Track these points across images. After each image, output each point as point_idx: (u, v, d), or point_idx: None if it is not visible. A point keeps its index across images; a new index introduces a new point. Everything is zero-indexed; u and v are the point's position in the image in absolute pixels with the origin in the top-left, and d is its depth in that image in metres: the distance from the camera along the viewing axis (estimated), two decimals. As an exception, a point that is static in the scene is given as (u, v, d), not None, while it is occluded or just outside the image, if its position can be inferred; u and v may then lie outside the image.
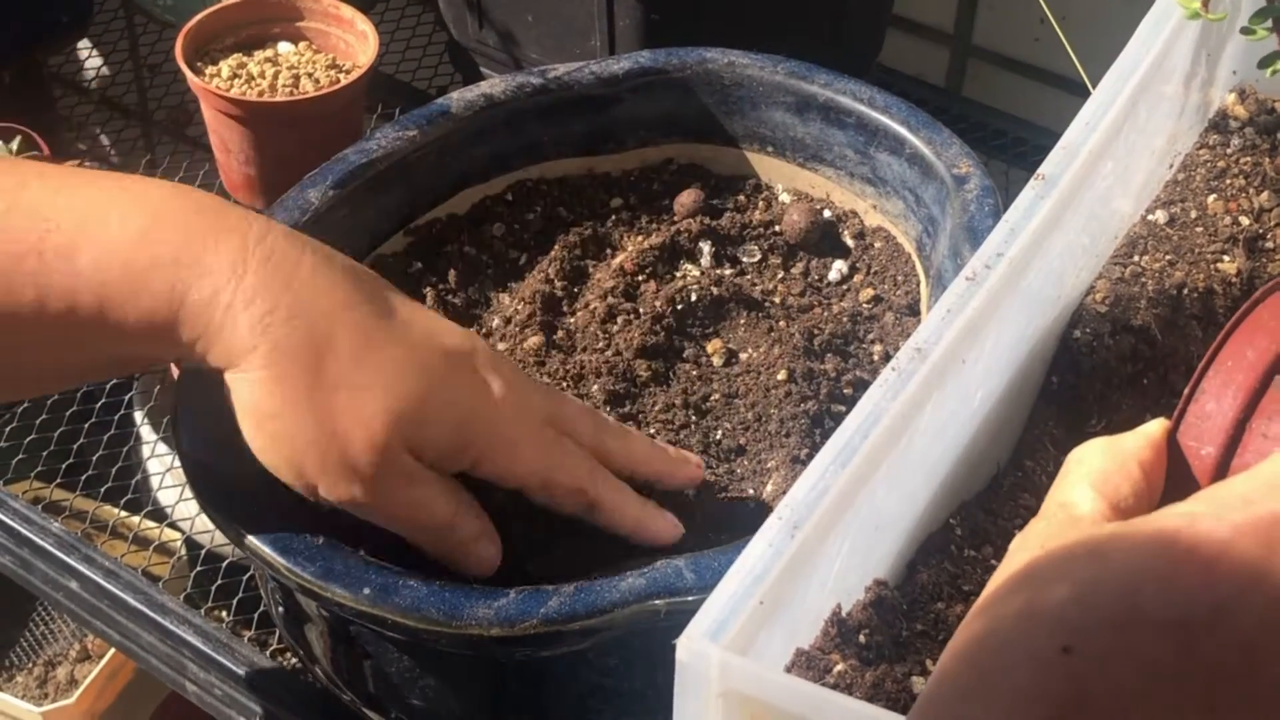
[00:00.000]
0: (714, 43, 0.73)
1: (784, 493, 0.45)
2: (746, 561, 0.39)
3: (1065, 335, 0.53)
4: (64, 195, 0.50)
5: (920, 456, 0.46)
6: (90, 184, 0.51)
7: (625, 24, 0.84)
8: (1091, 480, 0.42)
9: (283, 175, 0.77)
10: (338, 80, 0.85)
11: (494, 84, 0.72)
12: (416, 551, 0.55)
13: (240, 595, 0.78)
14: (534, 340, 0.65)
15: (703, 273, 0.68)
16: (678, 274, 0.68)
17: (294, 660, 0.70)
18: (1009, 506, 0.50)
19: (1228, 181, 0.59)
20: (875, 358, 0.64)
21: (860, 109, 0.69)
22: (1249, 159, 0.60)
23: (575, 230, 0.70)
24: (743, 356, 0.64)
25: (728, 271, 0.69)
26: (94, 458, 0.87)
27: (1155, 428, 0.45)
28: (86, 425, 0.88)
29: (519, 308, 0.67)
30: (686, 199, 0.71)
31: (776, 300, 0.66)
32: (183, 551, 0.88)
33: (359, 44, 0.89)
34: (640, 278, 0.67)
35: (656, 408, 0.63)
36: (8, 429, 0.87)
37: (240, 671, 0.68)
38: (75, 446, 0.87)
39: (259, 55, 0.88)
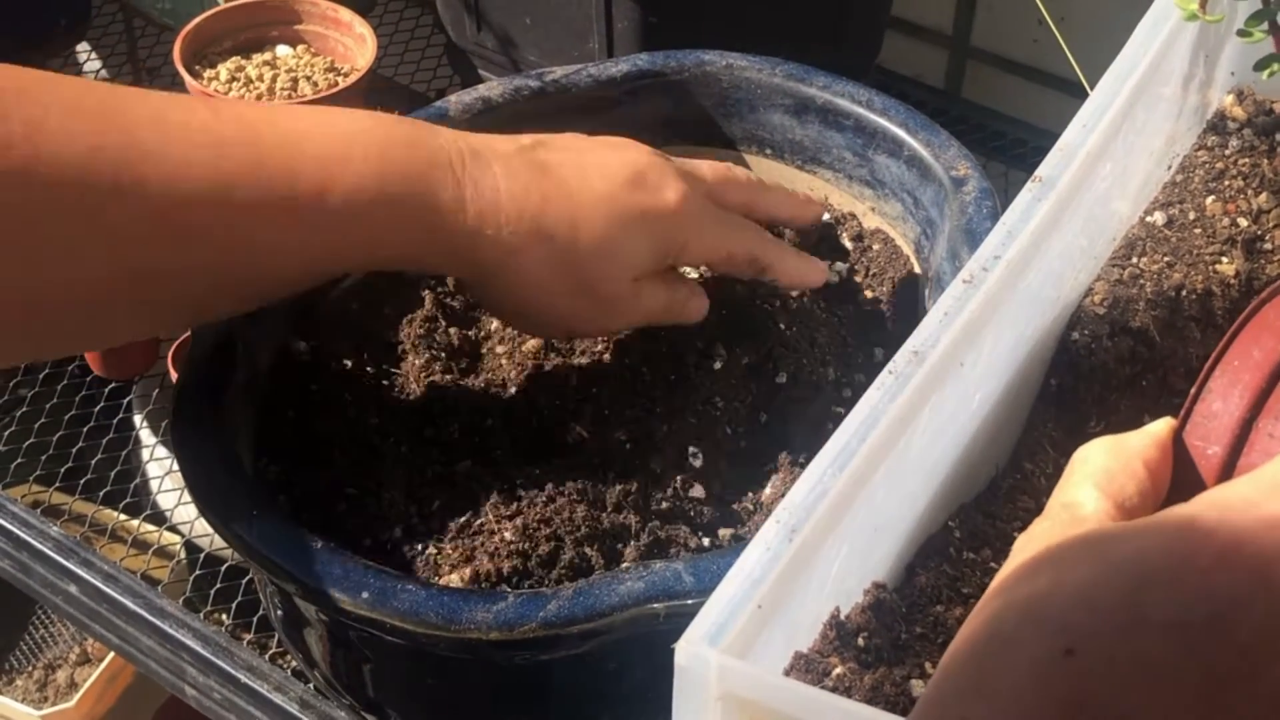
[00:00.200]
0: (712, 45, 0.73)
1: (782, 495, 0.45)
2: (745, 565, 0.39)
3: (1064, 337, 0.53)
4: (297, 140, 0.54)
5: (919, 459, 0.46)
6: (306, 122, 0.55)
7: (623, 26, 0.84)
8: (1096, 480, 0.42)
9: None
10: (336, 83, 0.85)
11: (492, 87, 0.72)
12: (417, 552, 0.55)
13: (239, 599, 0.78)
14: (533, 343, 0.65)
15: (701, 276, 0.68)
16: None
17: (293, 664, 0.70)
18: (1008, 509, 0.50)
19: (1226, 183, 0.59)
20: (873, 360, 0.64)
21: (859, 111, 0.69)
22: (1247, 160, 0.60)
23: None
24: (742, 359, 0.64)
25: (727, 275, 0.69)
26: (93, 461, 0.87)
27: (1161, 427, 0.45)
28: (86, 429, 0.88)
29: None
30: None
31: (776, 302, 0.66)
32: (182, 555, 0.88)
33: (357, 47, 0.89)
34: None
35: (657, 410, 0.63)
36: (6, 433, 0.87)
37: (239, 675, 0.68)
38: (74, 450, 0.87)
39: (257, 58, 0.88)
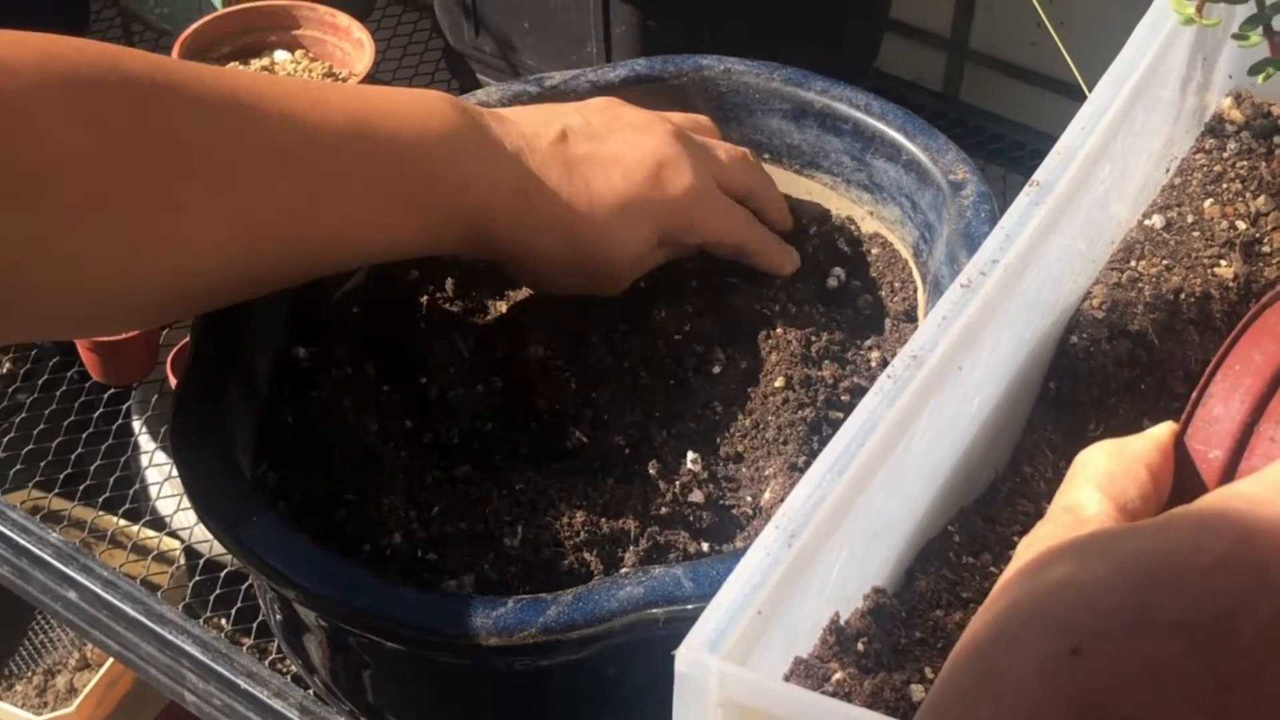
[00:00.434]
0: (710, 50, 0.73)
1: (782, 500, 0.45)
2: (745, 571, 0.39)
3: (1062, 341, 0.53)
4: (395, 116, 0.59)
5: (918, 463, 0.46)
6: (394, 95, 0.60)
7: (621, 31, 0.84)
8: (1098, 483, 0.42)
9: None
10: (334, 88, 0.85)
11: (490, 92, 0.72)
12: (416, 556, 0.55)
13: (239, 604, 0.78)
14: (536, 349, 0.65)
15: (700, 281, 0.69)
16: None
17: (293, 670, 0.70)
18: (1007, 512, 0.50)
19: (1224, 186, 0.59)
20: (872, 364, 0.64)
21: (857, 115, 0.69)
22: (1245, 163, 0.60)
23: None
24: (741, 364, 0.64)
25: (726, 279, 0.69)
26: (92, 467, 0.86)
27: (1162, 431, 0.45)
28: (85, 434, 0.88)
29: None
30: None
31: (775, 307, 0.66)
32: (181, 560, 0.88)
33: (355, 52, 0.89)
34: (642, 284, 0.67)
35: (656, 415, 0.63)
36: (6, 438, 0.87)
37: (239, 681, 0.68)
38: (74, 456, 0.87)
39: (255, 64, 0.88)
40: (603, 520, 0.57)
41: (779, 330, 0.64)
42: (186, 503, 0.59)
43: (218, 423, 0.57)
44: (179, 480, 0.56)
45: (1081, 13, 0.92)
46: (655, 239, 0.64)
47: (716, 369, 0.64)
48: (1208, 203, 0.58)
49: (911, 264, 0.68)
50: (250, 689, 0.68)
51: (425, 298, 0.68)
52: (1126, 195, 0.57)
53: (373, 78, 0.87)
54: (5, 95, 0.48)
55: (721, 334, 0.65)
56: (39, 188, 0.49)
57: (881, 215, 0.70)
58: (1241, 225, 0.58)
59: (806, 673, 0.41)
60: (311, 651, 0.59)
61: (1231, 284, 0.56)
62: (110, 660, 1.12)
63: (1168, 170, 0.60)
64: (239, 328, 0.61)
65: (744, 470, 0.61)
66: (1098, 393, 0.53)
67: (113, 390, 0.91)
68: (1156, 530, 0.33)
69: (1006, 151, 0.99)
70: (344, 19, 0.89)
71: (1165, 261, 0.56)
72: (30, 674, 1.20)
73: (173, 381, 0.83)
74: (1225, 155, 0.60)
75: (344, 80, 0.86)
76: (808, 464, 0.58)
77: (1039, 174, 0.50)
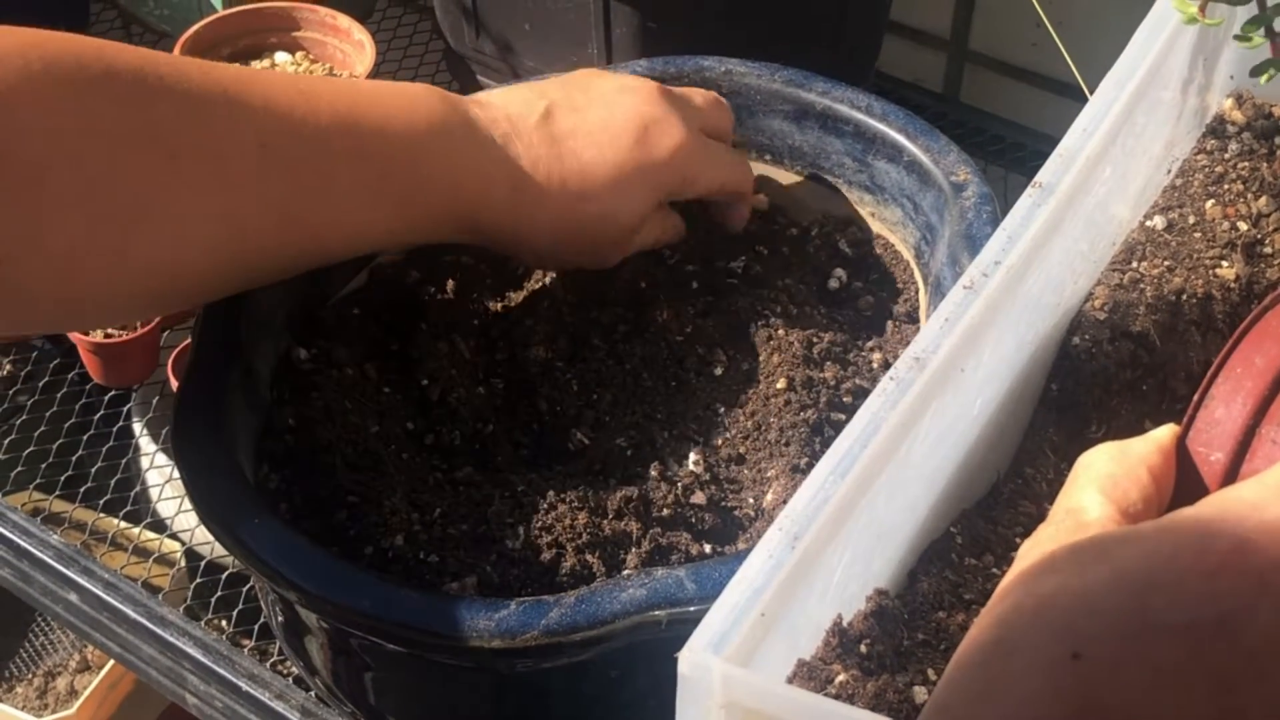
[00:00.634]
0: (711, 51, 0.73)
1: (784, 501, 0.45)
2: (747, 573, 0.39)
3: (1064, 342, 0.53)
4: (384, 111, 0.59)
5: (920, 465, 0.46)
6: (379, 89, 0.61)
7: (622, 32, 0.84)
8: (1100, 485, 0.42)
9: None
10: (335, 90, 0.85)
11: (490, 94, 0.72)
12: (416, 558, 0.55)
13: (240, 606, 0.78)
14: (535, 349, 0.65)
15: (701, 282, 0.69)
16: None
17: (294, 671, 0.70)
18: (1009, 514, 0.50)
19: (1226, 186, 0.59)
20: (874, 366, 0.64)
21: (858, 117, 0.69)
22: (1247, 164, 0.60)
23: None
24: (742, 365, 0.64)
25: (727, 280, 0.69)
26: (93, 469, 0.86)
27: (1164, 433, 0.45)
28: (85, 436, 0.88)
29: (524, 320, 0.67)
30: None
31: (776, 308, 0.66)
32: (182, 563, 0.88)
33: (356, 53, 0.89)
34: (643, 285, 0.67)
35: (658, 416, 0.63)
36: (7, 440, 0.87)
37: (240, 683, 0.68)
38: (74, 458, 0.87)
39: (256, 65, 0.88)
40: (605, 522, 0.57)
41: (780, 331, 0.64)
42: (187, 505, 0.59)
43: (219, 425, 0.57)
44: (180, 482, 0.56)
45: (1081, 13, 0.92)
46: (654, 202, 0.65)
47: (718, 370, 0.64)
48: (1209, 204, 0.58)
49: (913, 265, 0.68)
50: (252, 691, 0.68)
51: (426, 299, 0.68)
52: (1128, 196, 0.57)
53: (373, 79, 0.87)
54: None
55: (723, 335, 0.65)
56: (26, 181, 0.49)
57: (883, 216, 0.70)
58: (1243, 226, 0.58)
59: (809, 675, 0.41)
60: (313, 653, 0.59)
61: (1233, 285, 0.56)
62: (111, 662, 1.12)
63: (1169, 171, 0.60)
64: (240, 330, 0.61)
65: (746, 472, 0.61)
66: (1099, 394, 0.53)
67: (113, 392, 0.91)
68: (1158, 533, 0.33)
69: (1007, 152, 0.99)
70: (344, 21, 0.89)
71: (1167, 263, 0.56)
72: (31, 676, 1.20)
73: (174, 383, 0.83)
74: (1227, 156, 0.60)
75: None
76: (809, 465, 0.58)
77: (1041, 175, 0.50)
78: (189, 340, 0.62)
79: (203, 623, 0.72)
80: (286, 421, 0.60)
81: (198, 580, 0.80)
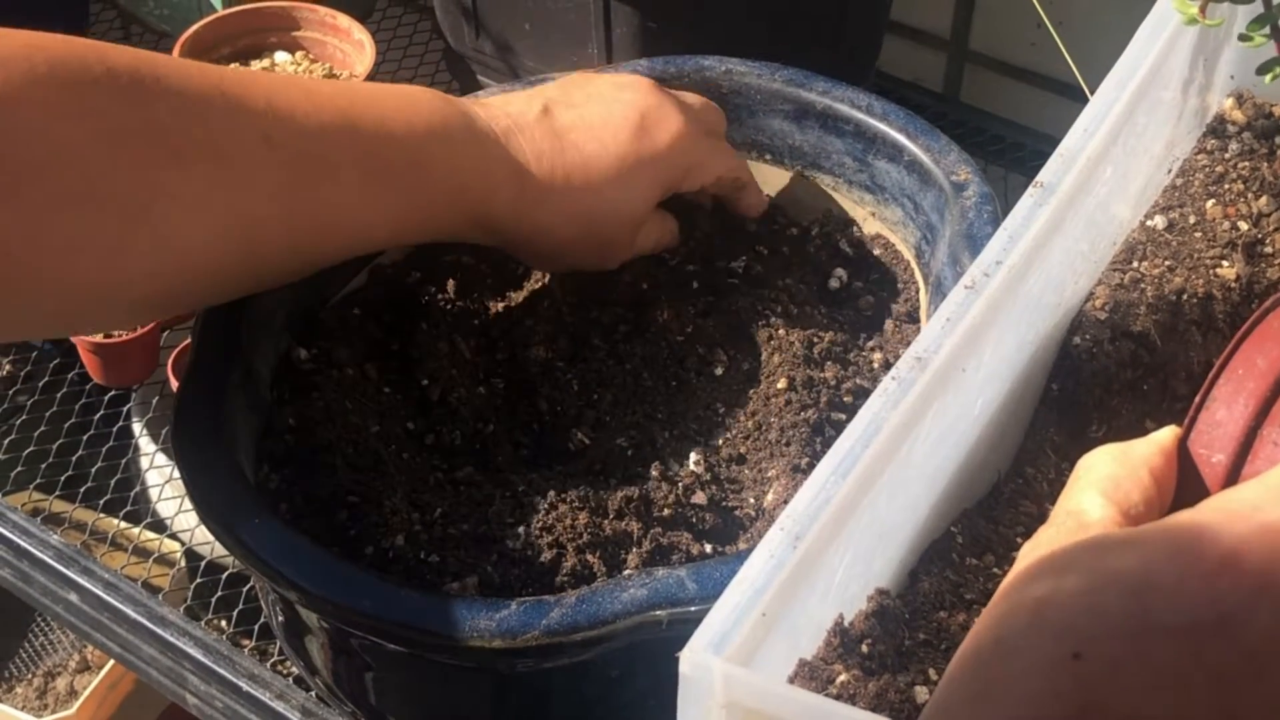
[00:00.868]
0: (711, 51, 0.73)
1: (785, 501, 0.45)
2: (749, 573, 0.39)
3: (1065, 342, 0.53)
4: (381, 110, 0.59)
5: (921, 465, 0.46)
6: (378, 91, 0.61)
7: (622, 32, 0.84)
8: (1101, 487, 0.42)
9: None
10: (335, 90, 0.85)
11: (492, 92, 0.72)
12: (417, 558, 0.55)
13: (241, 606, 0.78)
14: (535, 349, 0.65)
15: (702, 282, 0.69)
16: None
17: (295, 672, 0.70)
18: (1010, 514, 0.50)
19: (1226, 186, 0.59)
20: (875, 365, 0.64)
21: (858, 116, 0.69)
22: (1247, 164, 0.60)
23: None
24: (743, 365, 0.64)
25: (728, 280, 0.69)
26: (93, 469, 0.86)
27: (1166, 435, 0.45)
28: (85, 436, 0.88)
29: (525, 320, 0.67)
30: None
31: (777, 308, 0.66)
32: (182, 563, 0.88)
33: (356, 53, 0.89)
34: (644, 286, 0.67)
35: (659, 416, 0.63)
36: (6, 440, 0.87)
37: (241, 683, 0.68)
38: (74, 458, 0.87)
39: (256, 65, 0.88)
40: (605, 522, 0.57)
41: (781, 331, 0.64)
42: (187, 505, 0.59)
43: (219, 425, 0.57)
44: (180, 482, 0.56)
45: (1081, 13, 0.92)
46: (658, 193, 0.65)
47: (718, 370, 0.64)
48: (1210, 203, 0.58)
49: (914, 265, 0.68)
50: (252, 691, 0.68)
51: (426, 299, 0.68)
52: (1129, 196, 0.57)
53: (373, 79, 0.87)
54: None
55: (723, 335, 0.65)
56: (30, 178, 0.49)
57: (883, 216, 0.70)
58: (1243, 226, 0.58)
59: (811, 675, 0.41)
60: (313, 653, 0.59)
61: (1234, 285, 0.56)
62: (111, 662, 1.12)
63: (1169, 171, 0.60)
64: (240, 330, 0.61)
65: (746, 472, 0.61)
66: (1100, 394, 0.53)
67: (113, 392, 0.91)
68: (1158, 535, 0.33)
69: (1007, 152, 0.99)
70: (344, 20, 0.89)
71: (1167, 262, 0.56)
72: (30, 676, 1.20)
73: (174, 384, 0.83)
74: (1227, 156, 0.60)
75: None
76: (810, 465, 0.58)
77: (1042, 175, 0.50)
78: (189, 340, 0.62)
79: (203, 623, 0.72)
80: (287, 421, 0.60)
81: (198, 580, 0.80)
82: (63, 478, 0.86)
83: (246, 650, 0.71)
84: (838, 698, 0.40)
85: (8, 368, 0.98)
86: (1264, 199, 0.58)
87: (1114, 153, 0.53)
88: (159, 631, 0.70)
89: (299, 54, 0.89)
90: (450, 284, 0.69)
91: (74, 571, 0.73)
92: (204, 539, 0.82)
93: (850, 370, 0.64)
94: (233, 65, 0.87)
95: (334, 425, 0.60)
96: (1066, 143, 0.51)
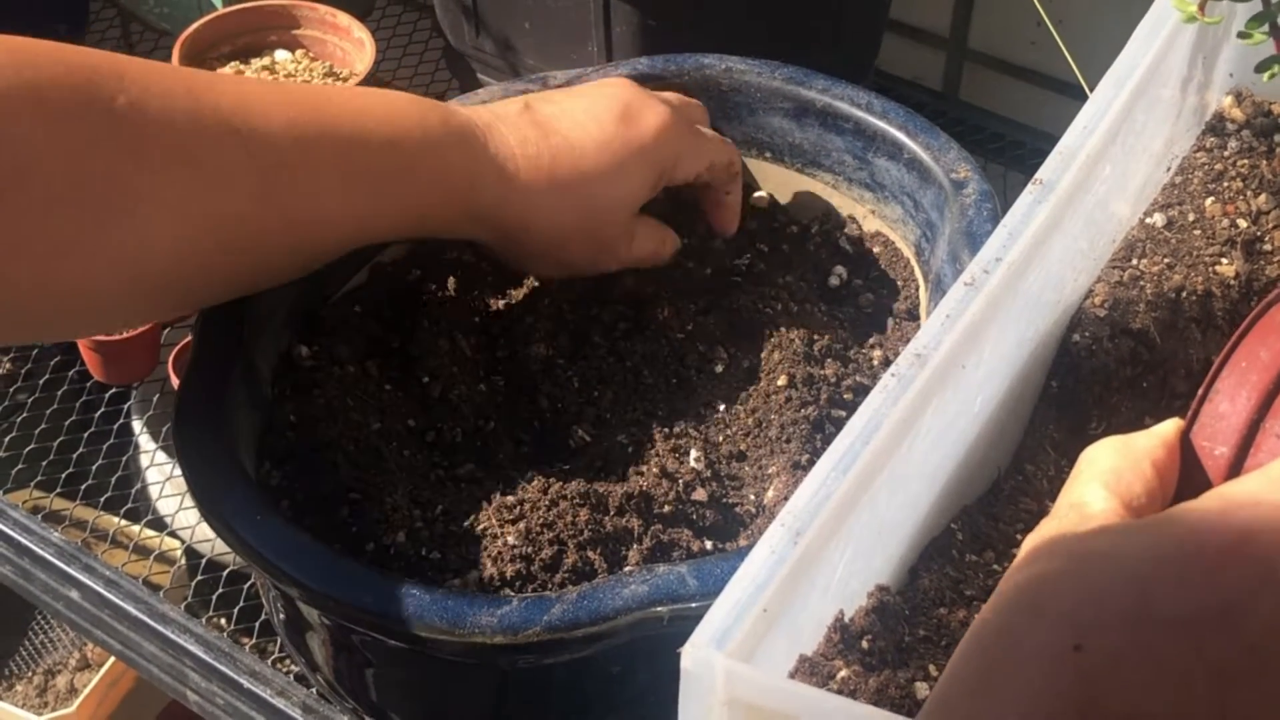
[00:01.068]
0: (711, 49, 0.73)
1: (785, 498, 0.45)
2: (750, 569, 0.39)
3: (1064, 339, 0.53)
4: (358, 108, 0.60)
5: (921, 461, 0.46)
6: (356, 95, 0.61)
7: (622, 30, 0.84)
8: (1104, 479, 0.42)
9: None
10: (335, 88, 0.85)
11: (492, 91, 0.72)
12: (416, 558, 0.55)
13: (241, 604, 0.78)
14: (539, 348, 0.65)
15: (702, 280, 0.69)
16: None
17: (296, 668, 0.70)
18: (1010, 510, 0.50)
19: (1225, 184, 0.59)
20: (875, 363, 0.65)
21: (858, 114, 0.69)
22: (1246, 161, 0.60)
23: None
24: (743, 363, 0.64)
25: (728, 278, 0.69)
26: (94, 467, 0.86)
27: (1168, 427, 0.45)
28: (86, 434, 0.88)
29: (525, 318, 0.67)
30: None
31: (777, 305, 0.66)
32: (183, 560, 0.88)
33: (356, 51, 0.89)
34: (645, 284, 0.67)
35: (659, 413, 0.63)
36: (7, 438, 0.87)
37: (242, 680, 0.68)
38: (75, 456, 0.87)
39: (256, 63, 0.88)
40: (606, 519, 0.57)
41: (781, 329, 0.64)
42: (188, 502, 0.59)
43: (220, 422, 0.57)
44: (181, 480, 0.56)
45: (1081, 12, 0.92)
46: (650, 180, 0.65)
47: (719, 368, 0.64)
48: (1209, 201, 0.59)
49: (913, 262, 0.68)
50: (253, 688, 0.68)
51: (427, 297, 0.68)
52: (1128, 194, 0.57)
53: (373, 77, 0.87)
54: None
55: (724, 333, 0.65)
56: (11, 185, 0.50)
57: (883, 214, 0.70)
58: (1242, 223, 0.58)
59: (811, 670, 0.41)
60: (314, 650, 0.59)
61: (1233, 282, 0.56)
62: (111, 660, 1.12)
63: (1169, 169, 0.60)
64: (241, 327, 0.61)
65: (747, 469, 0.61)
66: (1100, 391, 0.53)
67: (114, 390, 0.91)
68: (1160, 526, 0.33)
69: (1007, 150, 0.99)
70: (344, 18, 0.89)
71: (1167, 260, 0.56)
72: (31, 674, 1.20)
73: (174, 381, 0.83)
74: (1226, 154, 0.60)
75: (345, 80, 0.86)
76: (810, 462, 0.58)
77: (1041, 173, 0.50)
78: (189, 338, 0.63)
79: (204, 620, 0.72)
80: (288, 419, 0.60)
81: (198, 578, 0.80)
82: (63, 475, 0.86)
83: (247, 647, 0.71)
84: (838, 693, 0.41)
85: (8, 365, 0.98)
86: (1263, 196, 0.59)
87: (1113, 150, 0.53)
88: (160, 629, 0.70)
89: (299, 52, 0.90)
90: (451, 281, 0.69)
91: (75, 569, 0.73)
92: (204, 536, 0.82)
93: (850, 367, 0.64)
94: (232, 64, 0.87)
95: (335, 422, 0.60)
96: (1066, 140, 0.51)
